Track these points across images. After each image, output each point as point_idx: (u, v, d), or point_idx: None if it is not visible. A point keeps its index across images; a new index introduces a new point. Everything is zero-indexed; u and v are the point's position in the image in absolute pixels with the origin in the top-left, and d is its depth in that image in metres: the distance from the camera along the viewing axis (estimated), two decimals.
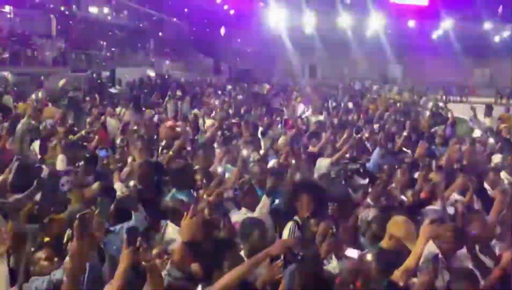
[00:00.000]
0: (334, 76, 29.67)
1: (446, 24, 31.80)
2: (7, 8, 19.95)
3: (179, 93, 14.90)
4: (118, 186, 3.91)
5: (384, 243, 3.08)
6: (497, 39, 33.89)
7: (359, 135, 6.90)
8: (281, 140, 6.46)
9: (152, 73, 23.06)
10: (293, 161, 5.17)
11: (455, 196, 4.26)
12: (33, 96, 10.43)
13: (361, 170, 4.53)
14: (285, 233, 3.46)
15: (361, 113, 10.62)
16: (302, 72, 31.95)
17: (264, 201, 3.69)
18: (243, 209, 3.90)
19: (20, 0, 20.19)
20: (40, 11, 21.31)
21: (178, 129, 7.64)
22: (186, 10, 31.97)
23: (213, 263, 2.71)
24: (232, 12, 32.28)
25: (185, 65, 29.01)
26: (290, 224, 3.48)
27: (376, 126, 8.45)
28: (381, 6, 29.02)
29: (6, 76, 15.35)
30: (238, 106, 11.32)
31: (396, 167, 4.94)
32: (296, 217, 3.52)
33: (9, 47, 16.90)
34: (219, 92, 16.52)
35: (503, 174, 5.42)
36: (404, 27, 32.07)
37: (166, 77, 21.57)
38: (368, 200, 4.01)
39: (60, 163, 4.83)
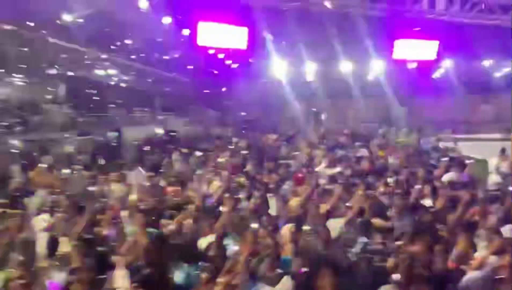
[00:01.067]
0: (337, 121, 29.80)
1: (446, 63, 32.32)
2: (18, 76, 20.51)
3: (184, 150, 14.85)
4: (119, 273, 3.61)
5: None
6: (497, 75, 34.20)
7: (371, 192, 6.59)
8: (294, 202, 6.19)
9: (160, 131, 23.26)
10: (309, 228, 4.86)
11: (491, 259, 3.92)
12: (39, 165, 10.38)
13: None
14: None
15: (372, 161, 10.37)
16: (307, 119, 32.14)
17: (285, 282, 3.40)
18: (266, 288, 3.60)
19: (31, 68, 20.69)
20: (49, 77, 21.84)
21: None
22: (189, 67, 32.75)
23: None
24: (235, 66, 33.05)
25: (191, 120, 29.32)
26: None
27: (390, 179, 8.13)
28: (382, 51, 29.51)
29: (16, 144, 15.44)
30: (244, 162, 11.13)
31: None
32: None
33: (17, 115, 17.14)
34: (229, 146, 16.39)
35: None
36: (404, 67, 32.46)
37: (174, 133, 21.69)
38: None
39: None
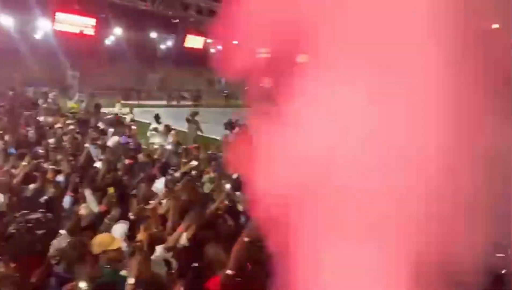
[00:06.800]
0: (2, 82, 26.35)
1: (117, 32, 33.93)
2: None
3: None
4: None
5: None
6: (163, 47, 38.53)
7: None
8: None
9: None
10: None
11: None
12: None
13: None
14: None
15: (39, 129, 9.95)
16: None
17: None
18: None
19: None
20: None
21: None
22: None
23: None
24: None
25: None
26: None
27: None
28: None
29: None
30: None
31: None
32: None
33: None
34: None
35: None
36: (78, 33, 31.94)
37: None
38: None
39: None
